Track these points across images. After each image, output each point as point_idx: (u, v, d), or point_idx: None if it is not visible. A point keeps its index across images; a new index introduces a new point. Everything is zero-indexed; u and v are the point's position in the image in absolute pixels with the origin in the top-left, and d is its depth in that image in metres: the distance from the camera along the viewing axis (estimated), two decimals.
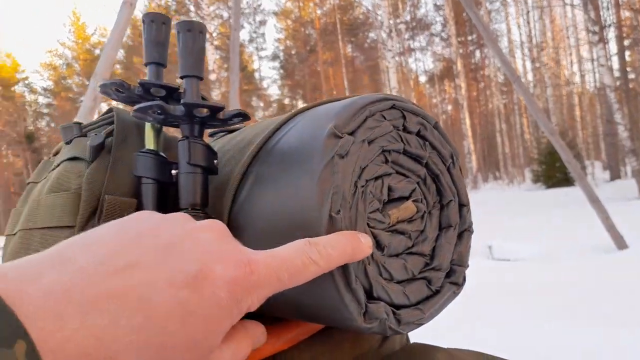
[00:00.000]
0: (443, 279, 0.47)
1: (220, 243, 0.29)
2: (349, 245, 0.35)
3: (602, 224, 4.70)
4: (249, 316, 0.50)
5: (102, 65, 3.28)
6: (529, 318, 2.83)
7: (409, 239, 0.46)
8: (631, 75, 18.56)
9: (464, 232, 0.50)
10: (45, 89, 32.35)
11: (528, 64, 23.59)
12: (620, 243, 4.65)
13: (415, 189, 0.47)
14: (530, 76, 22.66)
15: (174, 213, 0.31)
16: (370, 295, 0.40)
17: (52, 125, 32.71)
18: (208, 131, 0.55)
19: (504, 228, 6.84)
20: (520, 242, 5.40)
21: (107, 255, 0.25)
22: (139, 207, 0.45)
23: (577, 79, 23.14)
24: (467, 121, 20.08)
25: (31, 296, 0.22)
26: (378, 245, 0.43)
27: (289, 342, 0.47)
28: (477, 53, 28.43)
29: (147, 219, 0.29)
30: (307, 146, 0.40)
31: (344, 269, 0.38)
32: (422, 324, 0.44)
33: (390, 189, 0.45)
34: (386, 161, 0.45)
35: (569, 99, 22.34)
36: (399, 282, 0.44)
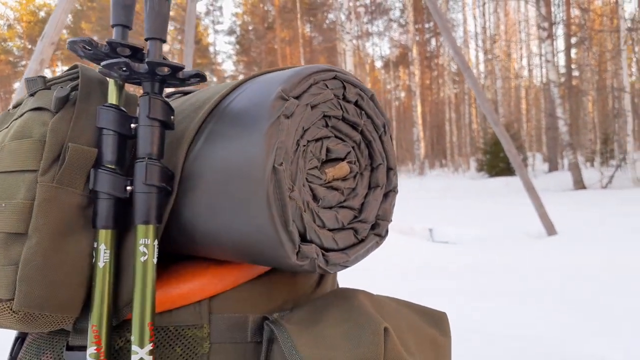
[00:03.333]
0: (368, 230, 0.55)
1: None
2: None
3: (536, 212, 5.00)
4: (192, 258, 0.55)
5: (52, 27, 3.16)
6: (462, 295, 3.01)
7: (342, 195, 0.53)
8: (575, 73, 19.45)
9: (390, 192, 0.57)
10: None
11: (481, 55, 24.24)
12: (551, 230, 4.97)
13: (350, 151, 0.54)
14: (482, 67, 23.32)
15: None
16: (304, 238, 0.47)
17: None
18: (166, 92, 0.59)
19: (446, 213, 7.12)
20: (459, 227, 5.66)
21: None
22: (99, 157, 0.50)
23: (525, 73, 24.02)
24: (419, 109, 20.49)
25: None
26: (314, 197, 0.50)
27: (230, 284, 0.53)
28: (433, 41, 28.90)
29: None
30: (257, 107, 0.46)
31: (283, 213, 0.44)
32: (348, 266, 0.52)
33: (328, 150, 0.52)
34: (326, 125, 0.52)
35: (517, 92, 23.18)
36: (330, 230, 0.51)
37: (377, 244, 0.55)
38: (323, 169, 0.51)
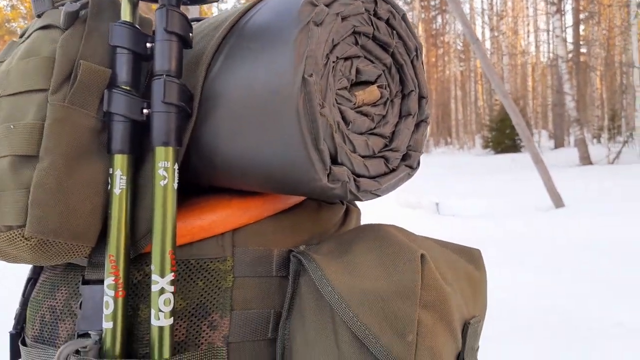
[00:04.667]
0: (399, 160, 0.51)
1: None
2: None
3: (544, 185, 4.96)
4: (218, 190, 0.52)
5: None
6: None
7: (372, 121, 0.49)
8: (583, 49, 19.16)
9: (422, 122, 0.54)
10: None
11: (487, 32, 23.90)
12: (558, 202, 4.94)
13: (380, 74, 0.50)
14: (488, 44, 23.02)
15: None
16: (334, 160, 0.44)
17: None
18: None
19: (452, 188, 7.09)
20: (466, 201, 5.63)
21: None
22: (113, 77, 0.46)
23: (532, 49, 23.70)
24: None
25: None
26: (344, 119, 0.46)
27: (254, 217, 0.50)
28: (439, 19, 28.52)
29: None
30: (283, 15, 0.43)
31: (314, 129, 0.41)
32: (379, 195, 0.48)
33: (358, 71, 0.48)
34: (356, 43, 0.48)
35: (523, 69, 22.92)
36: (361, 156, 0.48)
37: (409, 176, 0.52)
38: (353, 91, 0.48)
